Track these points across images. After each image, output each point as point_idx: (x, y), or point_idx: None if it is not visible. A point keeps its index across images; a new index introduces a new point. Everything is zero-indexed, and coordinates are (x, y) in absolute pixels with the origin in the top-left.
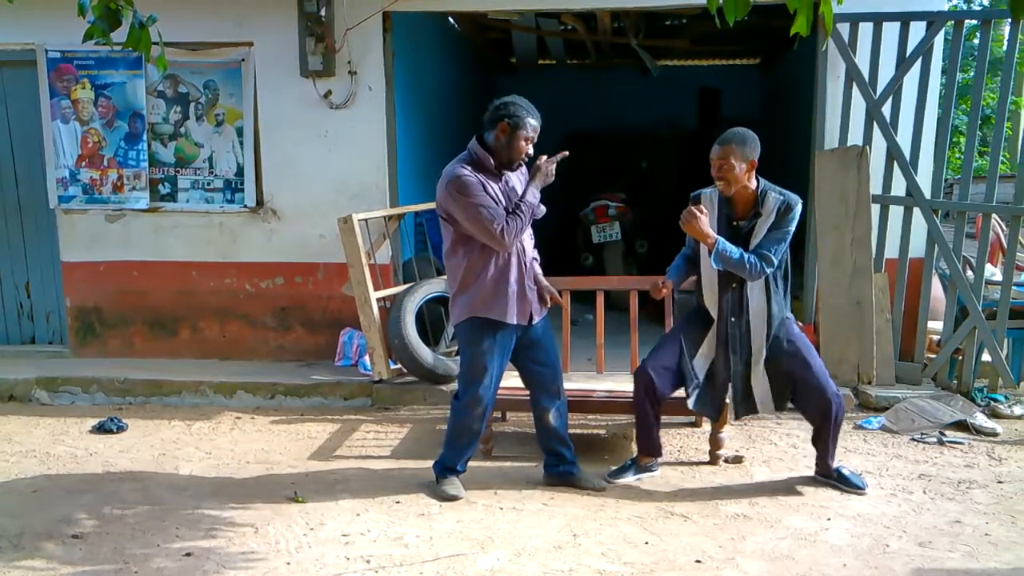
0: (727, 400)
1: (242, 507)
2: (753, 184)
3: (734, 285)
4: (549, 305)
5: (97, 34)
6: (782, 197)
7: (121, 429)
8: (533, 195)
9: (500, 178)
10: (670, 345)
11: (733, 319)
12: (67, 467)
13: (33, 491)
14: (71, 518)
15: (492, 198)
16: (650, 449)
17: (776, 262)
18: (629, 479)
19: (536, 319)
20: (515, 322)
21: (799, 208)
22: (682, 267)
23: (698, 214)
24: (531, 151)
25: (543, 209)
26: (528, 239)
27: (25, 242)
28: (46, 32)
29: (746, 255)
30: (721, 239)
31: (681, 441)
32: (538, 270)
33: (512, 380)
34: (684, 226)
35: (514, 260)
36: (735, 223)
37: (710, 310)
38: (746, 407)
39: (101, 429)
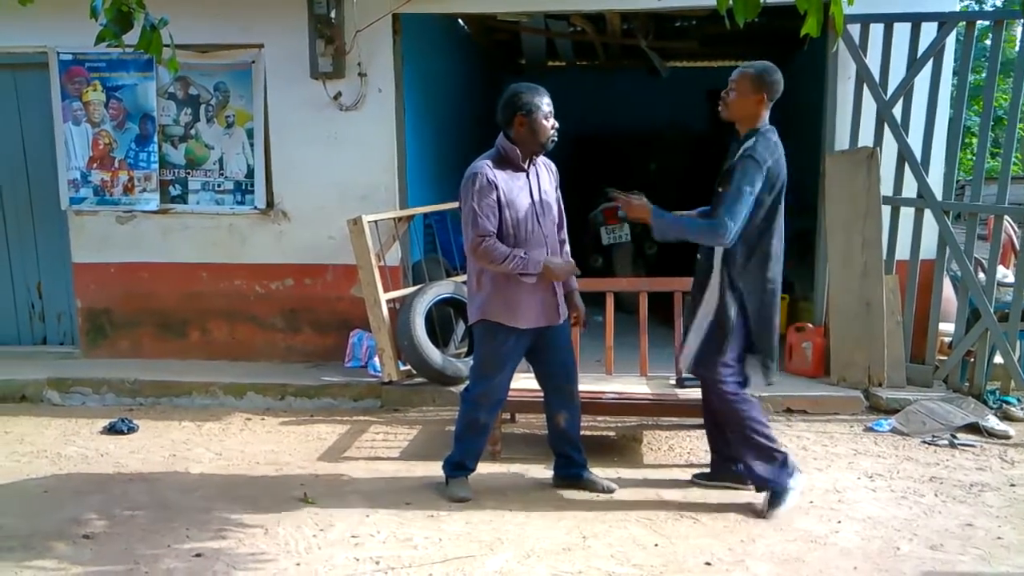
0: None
1: (252, 508)
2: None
3: (699, 256)
4: (579, 322)
5: (109, 37)
6: (749, 145)
7: (132, 430)
8: (535, 265)
9: (528, 172)
10: None
11: (696, 279)
12: (78, 467)
13: (44, 491)
14: (81, 518)
15: (501, 201)
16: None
17: (724, 220)
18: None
19: (559, 320)
20: (528, 327)
21: (750, 164)
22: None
23: (627, 199)
24: (557, 124)
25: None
26: (564, 247)
27: (37, 243)
28: (58, 35)
29: (693, 220)
30: (656, 209)
31: (691, 443)
32: (574, 282)
33: (522, 382)
34: (629, 213)
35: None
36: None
37: None
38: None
39: (112, 430)
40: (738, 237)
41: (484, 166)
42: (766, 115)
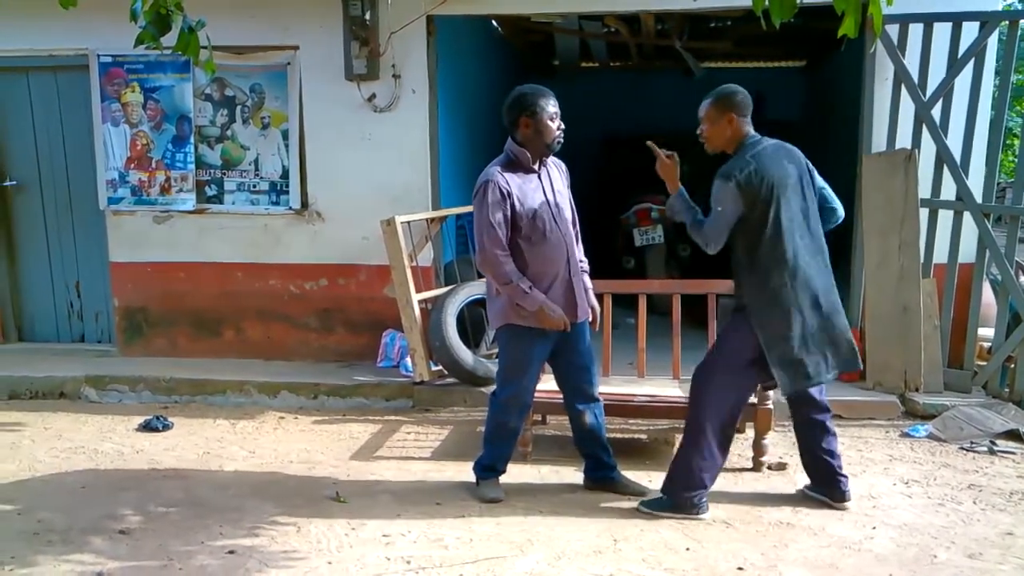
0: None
1: (284, 506)
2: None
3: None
4: (593, 321)
5: (147, 39)
6: (724, 165)
7: (166, 427)
8: (532, 303)
9: (539, 173)
10: None
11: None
12: (114, 464)
13: (81, 487)
14: (117, 514)
15: (516, 207)
16: None
17: (706, 231)
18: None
19: (579, 319)
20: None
21: (717, 183)
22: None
23: (660, 154)
24: (562, 126)
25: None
26: (577, 245)
27: (76, 243)
28: (98, 37)
29: (698, 216)
30: (683, 191)
31: None
32: (587, 282)
33: (553, 383)
34: (659, 169)
35: (560, 261)
36: None
37: None
38: None
39: (147, 427)
40: (737, 248)
41: (495, 173)
42: (747, 129)
